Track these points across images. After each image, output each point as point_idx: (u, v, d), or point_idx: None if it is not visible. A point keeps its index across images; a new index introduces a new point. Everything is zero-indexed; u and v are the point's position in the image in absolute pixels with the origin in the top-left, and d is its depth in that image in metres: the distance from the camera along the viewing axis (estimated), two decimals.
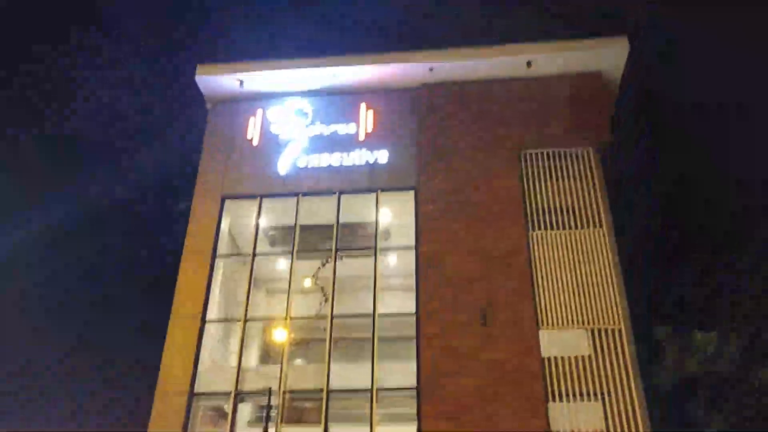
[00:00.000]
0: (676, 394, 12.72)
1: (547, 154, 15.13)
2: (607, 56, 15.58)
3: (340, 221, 15.09)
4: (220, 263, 15.08)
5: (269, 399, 12.95)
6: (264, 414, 13.73)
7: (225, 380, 13.60)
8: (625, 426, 12.05)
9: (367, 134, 15.82)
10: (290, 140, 15.94)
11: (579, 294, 13.44)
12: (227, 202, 15.59)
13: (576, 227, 14.20)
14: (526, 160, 15.14)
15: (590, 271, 13.65)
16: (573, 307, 13.32)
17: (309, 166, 15.60)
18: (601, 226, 14.10)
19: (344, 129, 15.98)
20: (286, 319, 14.17)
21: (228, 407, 13.40)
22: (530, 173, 14.97)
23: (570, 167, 14.91)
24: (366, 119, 15.95)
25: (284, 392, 13.26)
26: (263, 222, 15.62)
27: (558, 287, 13.58)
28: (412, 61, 16.08)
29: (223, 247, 15.29)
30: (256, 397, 13.57)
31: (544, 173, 14.92)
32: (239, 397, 13.35)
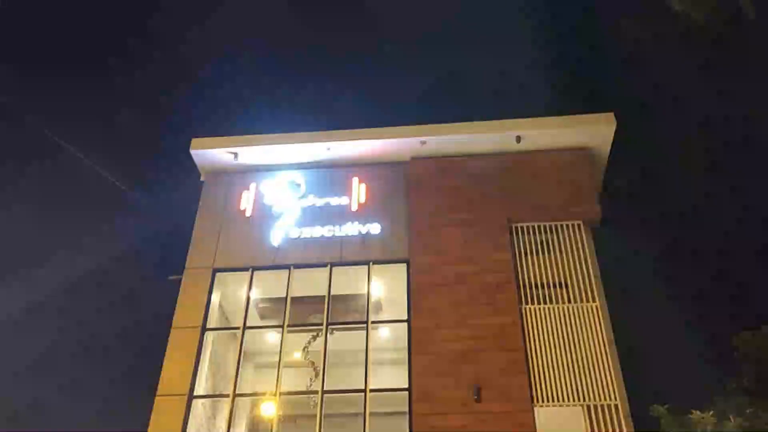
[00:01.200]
0: None
1: (538, 227, 15.23)
2: (594, 132, 15.95)
3: (332, 293, 14.98)
4: (209, 337, 14.84)
5: None
6: None
7: None
8: None
9: (359, 206, 15.93)
10: (283, 212, 16.02)
11: (574, 369, 13.27)
12: (218, 275, 15.49)
13: (569, 301, 14.16)
14: (517, 234, 15.23)
15: (584, 345, 13.52)
16: (568, 383, 13.12)
17: (301, 237, 15.61)
18: (594, 300, 14.05)
19: (337, 201, 16.10)
20: (275, 394, 13.84)
21: None
22: (522, 247, 15.02)
23: (561, 241, 15.00)
24: (358, 192, 16.11)
25: None
26: (254, 294, 15.48)
27: (552, 362, 13.40)
28: (404, 135, 16.38)
29: (212, 321, 15.09)
30: None
31: (536, 247, 14.99)
32: None
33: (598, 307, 13.97)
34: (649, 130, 23.17)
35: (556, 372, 13.29)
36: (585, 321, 13.83)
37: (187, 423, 13.44)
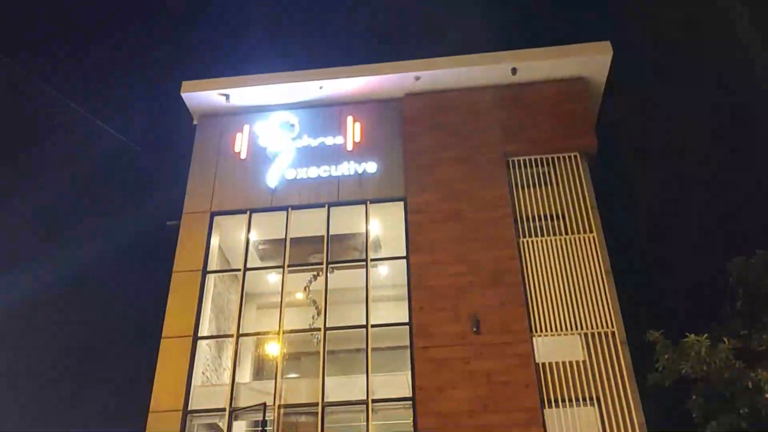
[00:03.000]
0: (671, 396, 12.75)
1: (535, 160, 15.20)
2: (591, 61, 15.72)
3: (330, 233, 15.06)
4: (210, 280, 14.99)
5: (264, 414, 12.88)
6: (259, 430, 13.66)
7: (219, 397, 13.49)
8: (621, 429, 12.05)
9: (355, 144, 15.83)
10: (278, 153, 15.92)
11: (571, 299, 13.49)
12: (216, 218, 15.52)
13: (566, 233, 14.27)
14: (513, 168, 15.20)
15: (582, 276, 13.70)
16: (566, 313, 13.36)
17: (298, 178, 15.58)
18: (591, 231, 14.16)
19: (332, 140, 15.99)
20: (278, 333, 14.10)
21: (223, 424, 13.28)
22: (518, 180, 15.03)
23: (558, 173, 15.00)
24: (353, 131, 15.98)
25: (279, 407, 13.15)
26: (253, 236, 15.56)
27: (550, 293, 13.61)
28: (397, 71, 16.12)
29: (213, 264, 15.20)
30: (251, 413, 13.43)
31: (533, 180, 15.00)
32: (234, 414, 13.22)
33: (595, 237, 14.08)
34: (647, 59, 22.85)
35: (554, 302, 13.51)
36: (582, 252, 13.97)
37: (193, 363, 13.72)
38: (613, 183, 19.93)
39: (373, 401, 13.04)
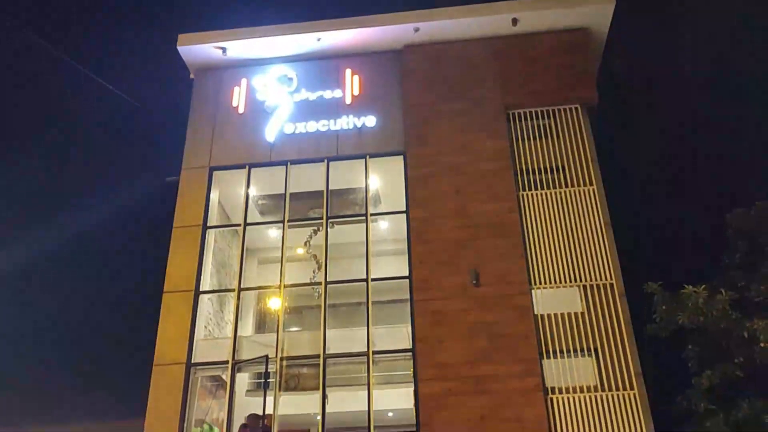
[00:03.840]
0: (668, 346, 12.94)
1: (535, 113, 15.08)
2: (593, 11, 15.43)
3: (330, 188, 15.03)
4: (211, 235, 15.03)
5: (266, 366, 13.07)
6: (262, 382, 13.90)
7: (221, 350, 13.68)
8: (618, 379, 12.27)
9: (353, 98, 15.66)
10: (276, 107, 15.77)
11: (571, 252, 13.55)
12: (216, 173, 15.48)
13: (566, 186, 14.24)
14: (513, 120, 15.09)
15: (581, 229, 13.73)
16: (565, 265, 13.44)
17: (296, 133, 15.47)
18: (591, 184, 14.13)
19: (330, 94, 15.82)
20: (279, 287, 14.21)
21: (226, 376, 13.51)
22: (518, 133, 14.93)
23: (559, 125, 14.89)
24: (352, 84, 15.78)
25: (281, 359, 13.35)
26: (253, 191, 15.54)
27: (549, 246, 13.67)
28: (396, 22, 15.83)
29: (213, 219, 15.22)
30: (254, 366, 13.65)
31: (533, 132, 14.90)
32: (236, 366, 13.43)
33: (595, 190, 14.07)
34: (650, 10, 22.41)
35: (553, 255, 13.58)
36: (582, 205, 13.98)
37: (195, 317, 13.87)
38: (614, 135, 19.81)
39: (374, 353, 13.23)
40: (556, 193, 14.18)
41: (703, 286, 11.41)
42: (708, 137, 20.21)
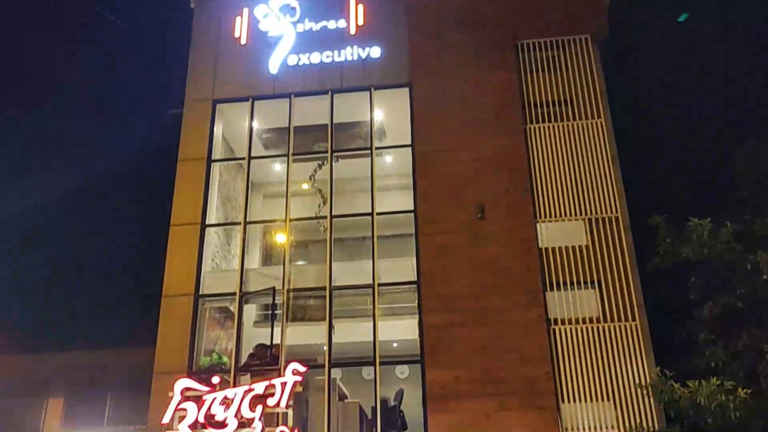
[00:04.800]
0: (670, 280, 13.01)
1: (543, 43, 14.75)
2: None
3: (335, 121, 14.88)
4: (215, 168, 15.00)
5: (273, 298, 13.29)
6: (269, 313, 14.15)
7: (229, 282, 13.86)
8: (621, 310, 12.45)
9: (358, 28, 15.31)
10: (279, 38, 15.45)
11: (577, 185, 13.51)
12: (219, 106, 15.31)
13: (574, 119, 14.07)
14: (522, 52, 14.77)
15: (588, 162, 13.65)
16: (571, 199, 13.43)
17: (300, 64, 15.20)
18: (599, 117, 13.96)
19: (334, 24, 15.46)
20: (285, 221, 14.26)
21: (234, 308, 13.73)
22: (526, 65, 14.66)
23: (568, 57, 14.58)
24: (356, 13, 15.39)
25: (288, 291, 13.53)
26: (256, 124, 15.39)
27: (556, 179, 13.62)
28: None
29: (217, 153, 15.15)
30: (261, 298, 13.86)
31: (541, 64, 14.62)
32: (244, 297, 13.63)
33: (603, 123, 13.91)
34: None
35: (559, 188, 13.54)
36: (589, 138, 13.85)
37: (202, 250, 14.00)
38: (623, 68, 19.41)
39: (379, 285, 13.38)
40: (563, 126, 14.03)
41: (708, 219, 11.36)
42: (719, 70, 19.80)
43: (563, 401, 11.94)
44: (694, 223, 11.38)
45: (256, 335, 14.28)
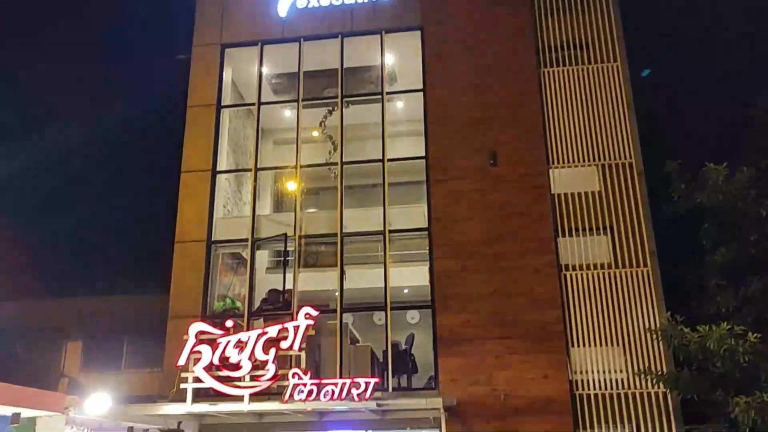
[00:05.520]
0: (684, 225, 12.93)
1: None
2: None
3: (345, 66, 14.64)
4: (225, 115, 14.89)
5: (285, 244, 13.36)
6: (281, 259, 14.25)
7: (241, 228, 13.92)
8: (633, 257, 12.43)
9: None
10: None
11: (591, 131, 13.35)
12: (227, 51, 15.08)
13: (589, 63, 13.78)
14: None
15: (603, 107, 13.45)
16: (584, 144, 13.28)
17: (309, 7, 14.88)
18: (615, 60, 13.66)
19: None
20: (295, 167, 14.21)
21: (246, 254, 13.83)
22: (541, 7, 14.29)
23: None
24: None
25: (299, 237, 13.58)
26: (266, 70, 15.18)
27: (570, 124, 13.45)
28: None
29: (227, 99, 15.01)
30: (273, 244, 13.93)
31: (556, 5, 14.24)
32: (256, 243, 13.71)
33: (619, 67, 13.62)
34: None
35: (573, 134, 13.38)
36: (604, 82, 13.61)
37: (213, 196, 14.03)
38: (641, 12, 18.85)
39: (390, 232, 13.40)
40: (578, 69, 13.77)
41: (725, 164, 11.21)
42: (740, 17, 19.17)
43: (572, 345, 12.06)
44: (710, 168, 11.24)
45: (268, 281, 14.43)
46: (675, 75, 19.91)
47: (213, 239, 13.77)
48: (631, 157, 13.01)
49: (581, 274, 12.47)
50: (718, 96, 18.37)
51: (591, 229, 12.73)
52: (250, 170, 14.57)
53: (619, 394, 11.69)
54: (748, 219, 11.48)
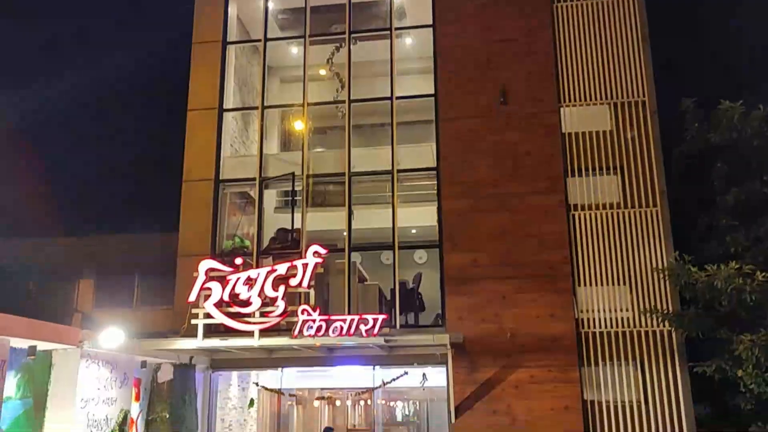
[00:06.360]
0: (696, 165, 12.78)
1: None
2: None
3: (352, 0, 14.26)
4: (231, 51, 14.63)
5: (293, 183, 13.33)
6: (289, 199, 14.24)
7: (248, 167, 13.87)
8: (642, 196, 12.34)
9: None
10: None
11: (604, 68, 13.06)
12: None
13: None
14: None
15: (617, 43, 13.11)
16: (597, 82, 13.02)
17: None
18: None
19: None
20: (303, 105, 14.04)
21: (254, 193, 13.83)
22: None
23: None
24: None
25: (307, 176, 13.54)
26: (271, 5, 14.81)
27: (582, 61, 13.16)
28: None
29: (232, 35, 14.72)
30: (280, 183, 13.90)
31: None
32: (264, 182, 13.68)
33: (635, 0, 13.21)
34: None
35: (586, 71, 13.10)
36: (619, 16, 13.24)
37: (220, 135, 13.93)
38: None
39: (399, 171, 13.32)
40: (592, 3, 13.36)
41: (740, 102, 10.99)
42: None
43: (579, 284, 12.12)
44: (726, 106, 11.04)
45: (276, 220, 14.48)
46: (692, 9, 19.35)
47: (221, 178, 13.75)
48: (644, 95, 12.76)
49: (590, 214, 12.42)
50: (736, 32, 17.88)
51: (601, 168, 12.60)
52: (256, 108, 14.41)
53: (624, 333, 11.81)
54: (763, 158, 11.33)
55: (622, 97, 12.85)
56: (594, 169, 12.61)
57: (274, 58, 15.36)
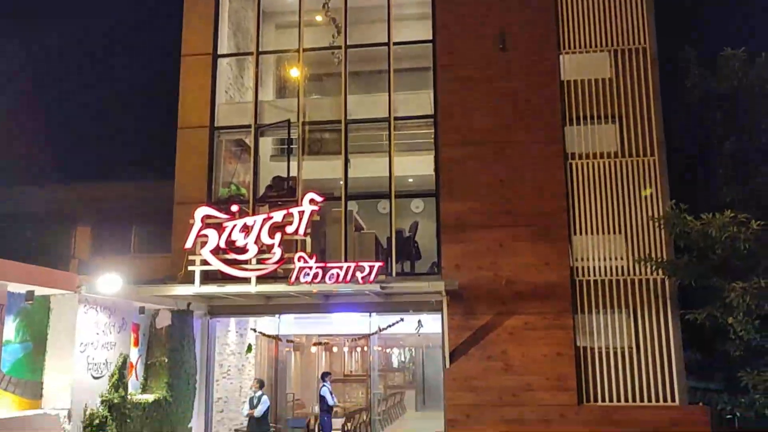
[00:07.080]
0: (695, 114, 12.69)
1: None
2: None
3: None
4: None
5: (289, 131, 13.22)
6: (285, 147, 14.13)
7: (244, 114, 13.72)
8: (640, 146, 12.28)
9: None
10: None
11: (604, 14, 12.82)
12: None
13: None
14: None
15: None
16: (597, 28, 12.79)
17: None
18: None
19: None
20: (298, 51, 13.80)
21: (249, 141, 13.72)
22: None
23: None
24: None
25: (303, 124, 13.42)
26: None
27: (582, 7, 12.90)
28: None
29: None
30: (276, 130, 13.78)
31: None
32: (259, 130, 13.56)
33: None
34: None
35: (586, 17, 12.88)
36: None
37: (215, 81, 13.74)
38: None
39: (396, 119, 13.20)
40: None
41: (743, 49, 10.84)
42: None
43: (575, 233, 12.17)
44: (728, 54, 10.90)
45: (273, 169, 14.39)
46: None
47: (216, 125, 13.62)
48: (645, 42, 12.56)
49: (587, 163, 12.38)
50: None
51: (599, 117, 12.50)
52: (251, 54, 14.17)
53: (618, 281, 11.91)
54: (762, 107, 11.26)
55: (623, 44, 12.65)
56: (592, 118, 12.51)
57: (269, 3, 15.02)
